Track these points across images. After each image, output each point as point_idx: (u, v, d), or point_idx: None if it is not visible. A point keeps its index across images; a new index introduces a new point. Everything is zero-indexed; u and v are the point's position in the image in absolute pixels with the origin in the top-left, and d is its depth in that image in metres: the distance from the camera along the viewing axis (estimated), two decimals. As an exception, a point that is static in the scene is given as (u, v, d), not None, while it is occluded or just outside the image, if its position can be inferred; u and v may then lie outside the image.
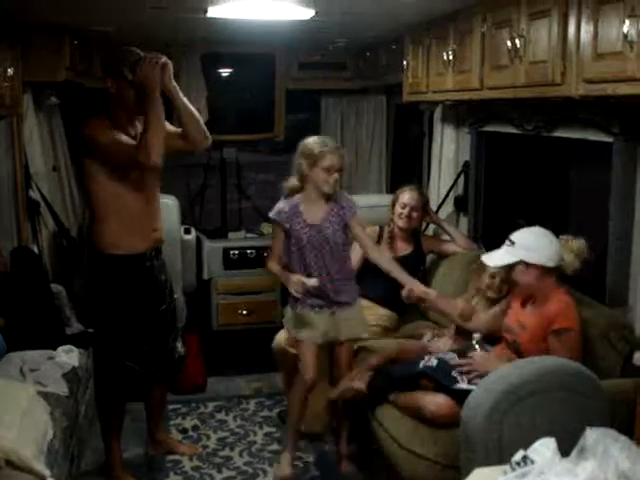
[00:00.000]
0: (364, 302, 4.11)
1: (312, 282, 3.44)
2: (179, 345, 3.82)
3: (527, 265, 2.94)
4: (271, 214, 3.58)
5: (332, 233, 3.53)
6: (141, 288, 3.44)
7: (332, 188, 3.50)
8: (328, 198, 3.54)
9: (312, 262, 3.53)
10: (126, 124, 3.34)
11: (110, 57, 3.45)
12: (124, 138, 3.26)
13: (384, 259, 3.68)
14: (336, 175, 3.48)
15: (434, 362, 3.20)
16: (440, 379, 3.08)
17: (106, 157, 3.23)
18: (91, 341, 3.93)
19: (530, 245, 2.94)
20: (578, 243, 2.98)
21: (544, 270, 2.93)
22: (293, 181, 3.57)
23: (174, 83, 3.32)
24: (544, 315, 2.94)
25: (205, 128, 3.48)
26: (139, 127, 3.34)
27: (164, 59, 3.22)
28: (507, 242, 3.01)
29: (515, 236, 3.00)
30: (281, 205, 3.56)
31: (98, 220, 3.37)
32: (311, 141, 3.51)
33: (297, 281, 3.43)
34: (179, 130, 3.47)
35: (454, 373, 3.08)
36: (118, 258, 3.37)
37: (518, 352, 3.03)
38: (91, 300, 3.54)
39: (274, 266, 3.60)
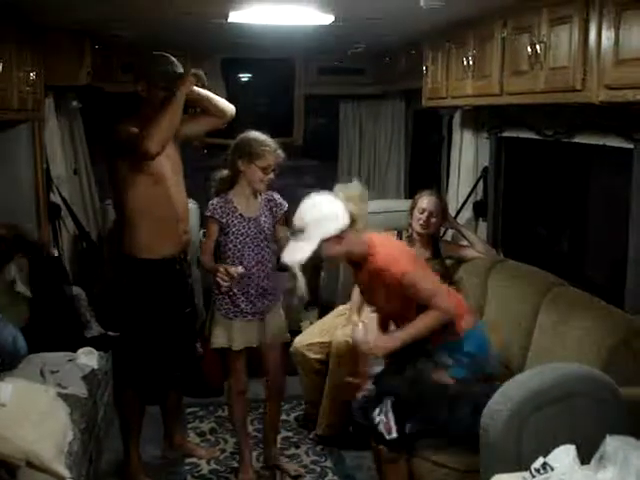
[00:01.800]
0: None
1: (238, 270, 3.39)
2: (198, 345, 3.85)
3: (328, 240, 2.88)
4: (207, 212, 3.52)
5: (267, 226, 3.55)
6: (170, 291, 3.47)
7: (265, 187, 3.52)
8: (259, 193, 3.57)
9: (249, 256, 3.51)
10: None
11: (144, 62, 3.47)
12: None
13: None
14: (271, 175, 3.49)
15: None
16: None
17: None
18: (111, 344, 3.96)
19: (319, 220, 2.87)
20: (353, 188, 2.99)
21: (343, 232, 2.88)
22: (225, 174, 3.57)
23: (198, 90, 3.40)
24: (375, 275, 2.93)
25: (223, 100, 3.59)
26: None
27: (201, 76, 3.34)
28: (295, 234, 2.89)
29: (298, 222, 2.89)
30: (214, 202, 3.53)
31: (130, 224, 3.38)
32: (251, 138, 3.50)
33: (223, 270, 3.39)
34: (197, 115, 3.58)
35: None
36: (150, 263, 3.39)
37: (391, 320, 3.10)
38: (118, 303, 3.57)
39: (208, 261, 3.53)
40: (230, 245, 3.50)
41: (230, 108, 3.59)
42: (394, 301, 3.00)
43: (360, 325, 3.20)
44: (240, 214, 3.50)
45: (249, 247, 3.51)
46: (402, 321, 3.02)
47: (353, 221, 2.90)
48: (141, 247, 3.37)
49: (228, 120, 3.65)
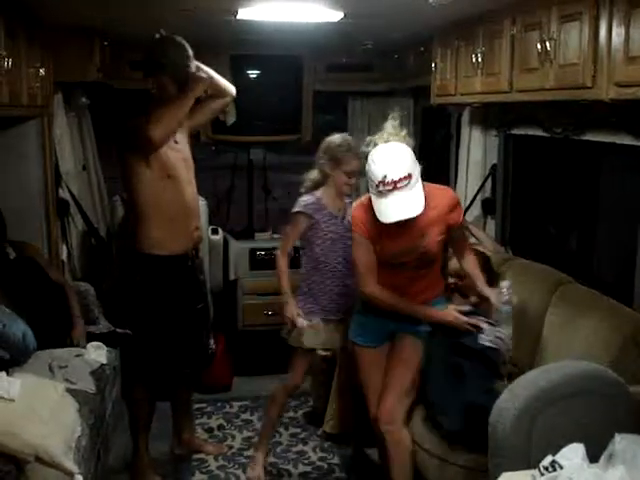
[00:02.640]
0: None
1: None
2: (211, 342, 3.84)
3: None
4: (297, 207, 3.58)
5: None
6: (182, 287, 3.48)
7: (350, 191, 3.60)
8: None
9: (335, 252, 3.57)
10: None
11: (150, 58, 3.47)
12: None
13: None
14: (354, 179, 3.57)
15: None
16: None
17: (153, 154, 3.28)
18: (119, 340, 3.96)
19: (416, 161, 2.99)
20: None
21: None
22: (315, 175, 3.62)
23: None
24: (438, 215, 3.04)
25: (224, 79, 3.63)
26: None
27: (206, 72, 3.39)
28: (401, 182, 2.86)
29: (401, 169, 2.89)
30: (305, 199, 3.59)
31: (141, 220, 3.38)
32: (337, 141, 3.54)
33: (290, 315, 3.53)
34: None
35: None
36: (162, 259, 3.39)
37: (426, 263, 3.09)
38: (129, 299, 3.58)
39: (284, 266, 3.61)
40: (319, 241, 3.59)
41: (231, 86, 3.65)
42: (439, 247, 3.09)
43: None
44: (329, 212, 3.57)
45: (336, 244, 3.57)
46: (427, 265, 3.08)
47: None
48: (152, 243, 3.38)
49: (231, 99, 3.70)
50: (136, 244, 3.40)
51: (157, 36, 3.47)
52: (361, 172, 3.42)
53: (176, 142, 3.41)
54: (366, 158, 3.00)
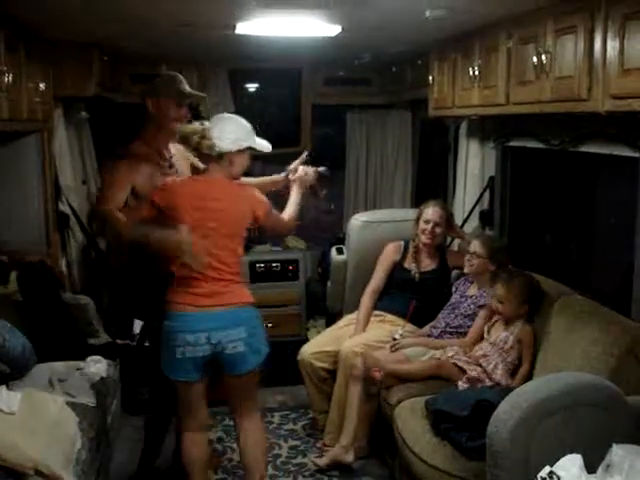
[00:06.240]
0: (389, 316, 4.17)
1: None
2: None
3: None
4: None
5: None
6: None
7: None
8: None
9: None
10: (161, 145, 3.35)
11: (157, 80, 3.37)
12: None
13: None
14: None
15: None
16: None
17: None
18: (119, 351, 3.96)
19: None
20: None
21: None
22: None
23: None
24: None
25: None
26: (172, 149, 3.40)
27: None
28: None
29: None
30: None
31: None
32: None
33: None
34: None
35: None
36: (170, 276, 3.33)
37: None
38: (140, 316, 3.63)
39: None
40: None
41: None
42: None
43: None
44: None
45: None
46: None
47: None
48: (161, 260, 3.32)
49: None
50: (145, 262, 3.35)
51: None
52: None
53: (171, 166, 3.38)
54: None
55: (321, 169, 3.53)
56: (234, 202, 3.06)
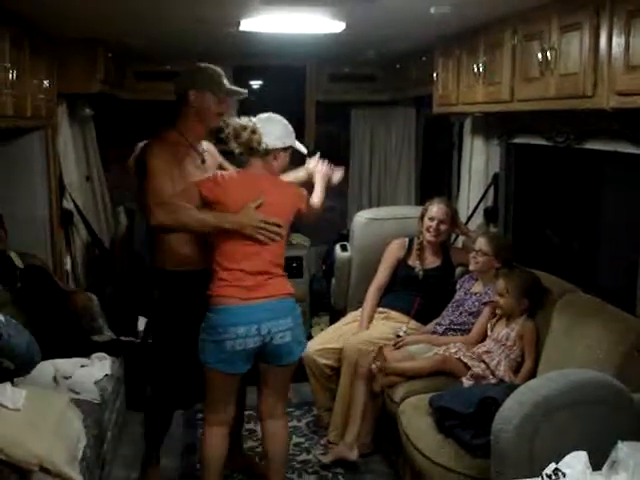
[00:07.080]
0: (393, 313, 4.17)
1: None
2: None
3: None
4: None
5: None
6: (203, 302, 3.38)
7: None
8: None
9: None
10: (196, 139, 3.36)
11: (198, 72, 3.39)
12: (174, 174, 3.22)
13: None
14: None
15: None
16: None
17: None
18: (123, 348, 3.96)
19: None
20: None
21: None
22: None
23: None
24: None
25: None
26: (204, 145, 3.42)
27: None
28: None
29: None
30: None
31: (160, 237, 3.29)
32: None
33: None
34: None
35: None
36: (182, 275, 3.31)
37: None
38: (152, 315, 3.64)
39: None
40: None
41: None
42: None
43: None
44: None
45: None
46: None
47: None
48: (173, 260, 3.32)
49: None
50: (156, 261, 3.33)
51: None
52: None
53: (203, 161, 3.37)
54: None
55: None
56: (282, 196, 3.18)
